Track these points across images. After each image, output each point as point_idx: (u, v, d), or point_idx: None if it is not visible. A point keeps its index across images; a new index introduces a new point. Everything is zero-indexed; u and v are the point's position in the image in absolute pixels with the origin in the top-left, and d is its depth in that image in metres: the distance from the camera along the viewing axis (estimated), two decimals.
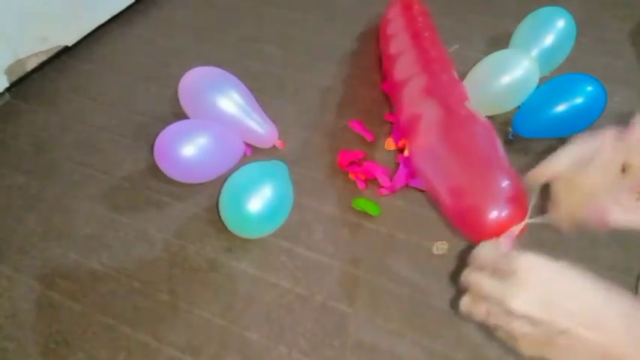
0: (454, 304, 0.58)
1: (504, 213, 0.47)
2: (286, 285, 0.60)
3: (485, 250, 0.39)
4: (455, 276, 0.60)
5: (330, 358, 0.54)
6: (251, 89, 0.73)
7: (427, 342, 0.55)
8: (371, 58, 0.92)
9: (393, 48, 0.83)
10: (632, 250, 0.63)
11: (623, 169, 0.39)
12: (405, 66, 0.77)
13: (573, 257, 0.59)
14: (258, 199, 0.59)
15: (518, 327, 0.33)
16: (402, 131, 0.73)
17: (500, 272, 0.35)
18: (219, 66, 0.75)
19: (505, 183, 0.50)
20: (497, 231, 0.47)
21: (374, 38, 0.97)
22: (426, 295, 0.59)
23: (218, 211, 0.64)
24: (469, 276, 0.37)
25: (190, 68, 0.91)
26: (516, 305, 0.33)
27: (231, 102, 0.70)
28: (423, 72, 0.72)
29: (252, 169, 0.63)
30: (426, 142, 0.61)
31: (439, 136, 0.59)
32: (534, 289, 0.33)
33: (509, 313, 0.33)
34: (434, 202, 0.63)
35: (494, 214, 0.48)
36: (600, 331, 0.31)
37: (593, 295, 0.33)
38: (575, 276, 0.34)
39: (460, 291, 0.39)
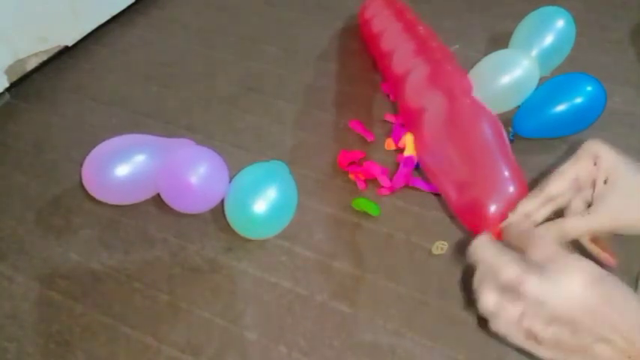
0: (454, 306, 0.58)
1: (505, 207, 0.45)
2: (286, 285, 0.60)
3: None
4: (456, 276, 0.61)
5: (330, 358, 0.54)
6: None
7: (427, 342, 0.55)
8: (370, 57, 0.92)
9: (386, 44, 0.83)
10: (632, 250, 0.63)
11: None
12: (403, 59, 0.77)
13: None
14: (265, 201, 0.59)
15: (555, 332, 0.31)
16: (407, 126, 0.71)
17: (540, 267, 0.32)
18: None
19: (508, 177, 0.48)
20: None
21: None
22: (426, 295, 0.59)
23: (218, 211, 0.64)
24: (508, 268, 0.33)
25: (190, 68, 0.91)
26: (563, 309, 0.31)
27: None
28: (425, 62, 0.72)
29: (255, 170, 0.63)
30: (430, 135, 0.61)
31: (443, 127, 0.58)
32: (581, 293, 0.31)
33: (552, 317, 0.31)
34: (442, 196, 0.61)
35: (494, 208, 0.46)
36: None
37: (637, 308, 0.31)
38: (621, 286, 0.32)
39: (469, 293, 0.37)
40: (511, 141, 0.75)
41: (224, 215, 0.63)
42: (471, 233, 0.53)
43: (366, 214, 0.67)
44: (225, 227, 0.63)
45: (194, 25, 1.01)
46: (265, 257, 0.63)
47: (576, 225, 0.37)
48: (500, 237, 0.42)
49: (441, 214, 0.67)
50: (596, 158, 0.37)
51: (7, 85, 0.82)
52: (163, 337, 0.56)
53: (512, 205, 0.44)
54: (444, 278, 0.60)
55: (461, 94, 0.63)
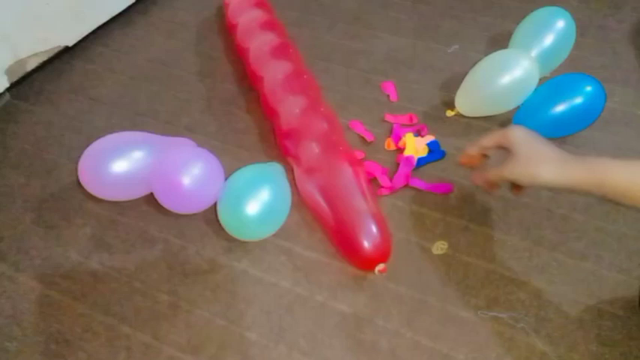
0: (454, 306, 0.58)
1: (375, 243, 0.58)
2: (286, 285, 0.60)
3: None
4: (455, 275, 0.61)
5: (330, 358, 0.54)
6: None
7: (427, 342, 0.55)
8: (370, 58, 0.92)
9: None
10: (632, 250, 0.63)
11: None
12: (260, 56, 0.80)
13: (575, 258, 0.60)
14: (257, 202, 0.59)
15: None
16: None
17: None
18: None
19: (370, 219, 0.59)
20: (372, 258, 0.58)
21: (372, 37, 0.97)
22: (426, 295, 0.59)
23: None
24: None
25: (190, 69, 0.91)
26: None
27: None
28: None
29: (248, 172, 0.63)
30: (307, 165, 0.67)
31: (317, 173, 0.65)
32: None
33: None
34: (319, 221, 0.66)
35: (367, 245, 0.58)
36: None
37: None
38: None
39: None
40: None
41: None
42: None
43: None
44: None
45: (194, 25, 1.01)
46: (265, 257, 0.63)
47: (493, 172, 0.57)
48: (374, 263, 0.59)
49: (441, 214, 0.67)
50: (504, 136, 0.56)
51: (7, 85, 0.82)
52: (163, 337, 0.56)
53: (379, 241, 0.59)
54: (444, 278, 0.60)
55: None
